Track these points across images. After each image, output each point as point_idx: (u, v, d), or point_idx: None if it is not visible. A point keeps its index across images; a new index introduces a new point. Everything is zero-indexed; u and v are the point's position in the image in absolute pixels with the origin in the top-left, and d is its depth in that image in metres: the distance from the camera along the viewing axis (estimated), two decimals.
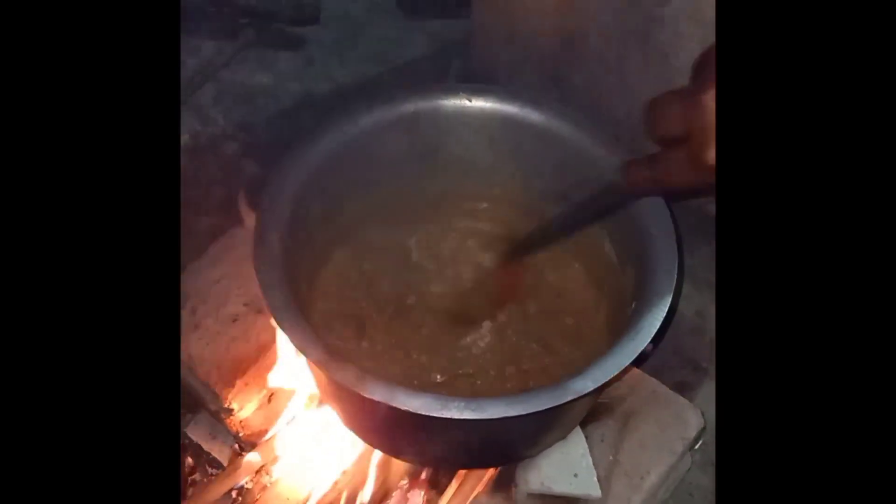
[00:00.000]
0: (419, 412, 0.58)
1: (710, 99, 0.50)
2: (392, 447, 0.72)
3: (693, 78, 0.53)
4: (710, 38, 0.61)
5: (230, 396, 0.78)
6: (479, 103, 0.75)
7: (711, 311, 0.91)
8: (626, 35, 0.87)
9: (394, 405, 0.58)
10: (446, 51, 1.16)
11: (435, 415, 0.58)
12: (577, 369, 0.61)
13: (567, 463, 0.71)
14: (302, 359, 0.76)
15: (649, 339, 0.62)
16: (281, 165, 0.70)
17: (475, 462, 0.72)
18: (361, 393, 0.59)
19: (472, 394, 0.72)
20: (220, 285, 0.82)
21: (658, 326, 0.62)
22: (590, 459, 0.71)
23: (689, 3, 0.79)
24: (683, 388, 0.85)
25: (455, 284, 0.78)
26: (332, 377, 0.60)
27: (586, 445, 0.72)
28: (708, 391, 0.87)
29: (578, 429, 0.73)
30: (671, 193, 0.68)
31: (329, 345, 0.62)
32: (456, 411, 0.58)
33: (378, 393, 0.59)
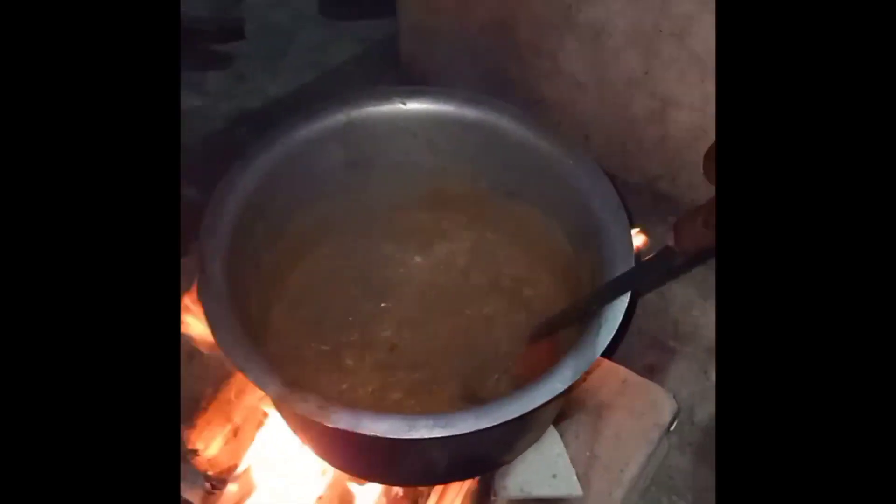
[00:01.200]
0: (387, 436, 0.56)
1: None
2: (365, 471, 0.69)
3: None
4: (640, 13, 0.59)
5: (193, 437, 0.75)
6: (414, 105, 0.73)
7: (672, 289, 0.91)
8: (556, 19, 0.86)
9: (360, 432, 0.56)
10: (375, 52, 1.14)
11: (403, 437, 0.56)
12: (546, 370, 0.59)
13: (544, 464, 0.69)
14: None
15: (614, 331, 0.60)
16: (216, 190, 0.67)
17: (450, 476, 0.70)
18: (325, 423, 0.57)
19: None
20: None
21: (621, 317, 0.61)
22: (567, 458, 0.70)
23: None
24: (653, 371, 0.84)
25: (410, 300, 0.76)
26: (293, 410, 0.58)
27: (562, 444, 0.70)
28: (677, 371, 0.86)
29: (552, 428, 0.71)
30: None
31: (287, 375, 0.60)
32: (425, 430, 0.56)
33: (343, 421, 0.57)
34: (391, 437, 0.56)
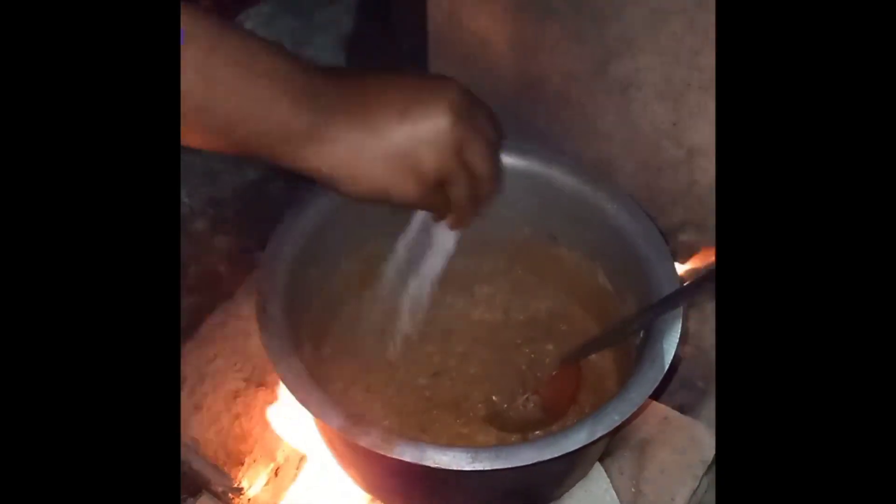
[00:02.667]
0: (450, 468, 0.58)
1: None
2: None
3: None
4: (669, 69, 0.62)
5: (240, 475, 0.76)
6: None
7: (702, 330, 0.93)
8: (585, 72, 0.90)
9: (425, 464, 0.58)
10: None
11: (466, 468, 0.58)
12: (601, 405, 0.61)
13: (592, 500, 0.71)
14: (311, 426, 0.75)
15: (667, 366, 0.62)
16: (275, 232, 0.70)
17: None
18: (389, 455, 0.58)
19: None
20: (217, 363, 0.80)
21: (674, 353, 0.63)
22: (613, 494, 0.71)
23: (648, 36, 0.82)
24: (685, 410, 0.85)
25: (465, 337, 0.78)
26: (356, 443, 0.59)
27: (608, 480, 0.72)
28: (708, 411, 0.87)
29: (598, 464, 0.72)
30: None
31: (346, 410, 0.62)
32: (487, 462, 0.58)
33: (407, 453, 0.58)
34: (454, 468, 0.58)
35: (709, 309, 0.94)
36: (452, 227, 0.68)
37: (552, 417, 0.73)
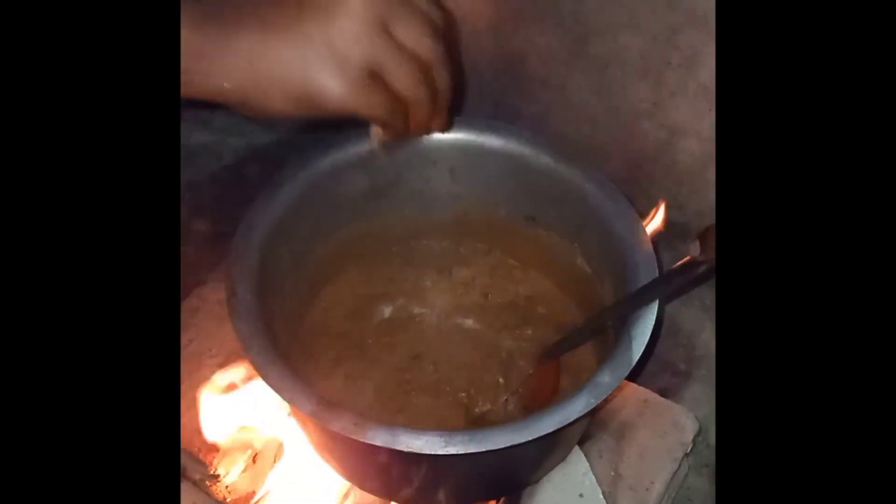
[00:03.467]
0: (423, 452, 0.57)
1: None
2: (392, 492, 0.70)
3: None
4: (648, 47, 0.62)
5: (215, 462, 0.75)
6: (434, 134, 0.75)
7: (682, 314, 0.92)
8: (564, 52, 0.88)
9: (397, 448, 0.57)
10: None
11: (440, 452, 0.57)
12: (575, 387, 0.60)
13: (570, 484, 0.70)
14: (287, 412, 0.74)
15: (642, 349, 0.61)
16: (245, 217, 0.68)
17: (480, 495, 0.70)
18: (361, 439, 0.57)
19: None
20: (191, 348, 0.79)
21: (649, 335, 0.62)
22: (593, 478, 0.70)
23: (626, 14, 0.81)
24: (667, 394, 0.85)
25: (439, 322, 0.77)
26: (328, 427, 0.58)
27: (587, 464, 0.71)
28: (691, 394, 0.87)
29: (577, 448, 0.72)
30: None
31: (319, 394, 0.61)
32: (461, 446, 0.57)
33: (379, 437, 0.57)
34: (427, 452, 0.57)
35: (690, 291, 0.94)
36: (412, 130, 0.60)
37: (525, 411, 0.72)
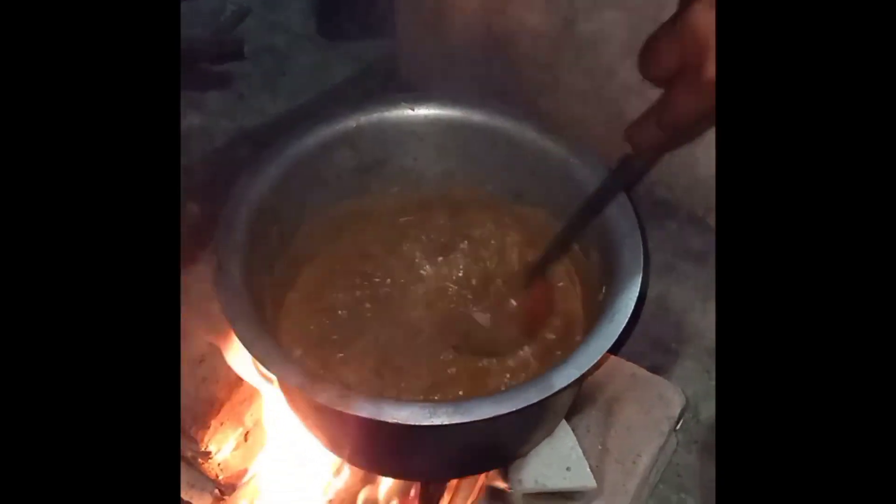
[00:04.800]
0: (408, 423, 0.57)
1: (695, 14, 0.50)
2: (380, 465, 0.70)
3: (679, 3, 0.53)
4: (636, 23, 0.62)
5: (206, 439, 0.75)
6: (421, 111, 0.75)
7: (672, 292, 0.93)
8: (552, 30, 0.89)
9: (382, 419, 0.57)
10: (373, 71, 1.16)
11: (424, 423, 0.57)
12: (560, 359, 0.60)
13: (558, 458, 0.70)
14: (276, 388, 0.75)
15: (625, 322, 0.62)
16: (232, 193, 0.69)
17: (466, 469, 0.71)
18: (347, 411, 0.58)
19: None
20: (183, 325, 0.79)
21: (632, 308, 0.62)
22: (580, 451, 0.71)
23: None
24: (657, 371, 0.85)
25: (425, 298, 0.77)
26: (314, 400, 0.59)
27: (574, 438, 0.71)
28: (681, 371, 0.88)
29: (564, 422, 0.72)
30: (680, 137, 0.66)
31: (305, 367, 0.61)
32: (445, 417, 0.57)
33: (365, 409, 0.58)
34: (412, 423, 0.57)
35: (680, 270, 0.94)
36: None
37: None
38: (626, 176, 0.64)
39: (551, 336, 0.73)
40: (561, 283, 0.76)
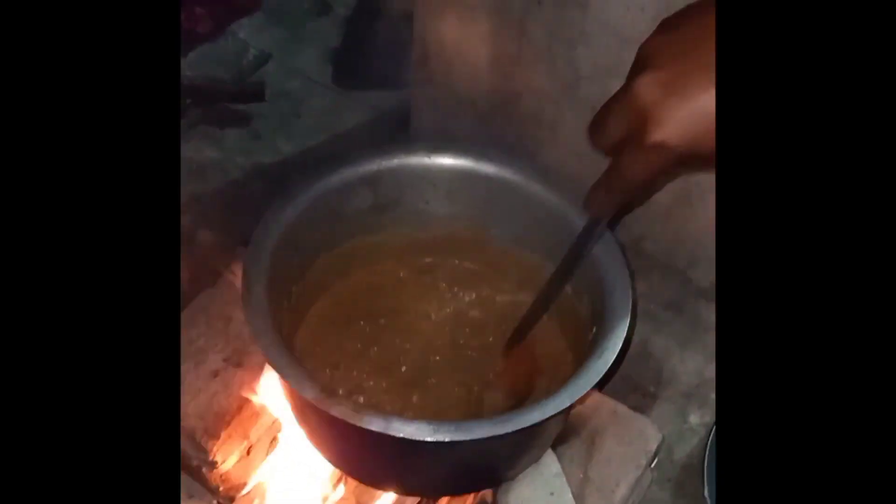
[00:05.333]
0: (413, 438, 0.63)
1: (641, 84, 0.55)
2: (381, 480, 0.76)
3: (627, 78, 0.58)
4: None
5: (215, 449, 0.80)
6: (437, 159, 0.82)
7: (653, 340, 1.00)
8: (556, 92, 0.96)
9: (390, 433, 0.63)
10: (383, 119, 1.23)
11: (429, 439, 0.63)
12: (554, 389, 0.67)
13: (543, 483, 0.76)
14: (285, 405, 0.80)
15: (612, 359, 0.68)
16: (262, 221, 0.75)
17: (460, 488, 0.76)
18: (358, 424, 0.63)
19: None
20: (198, 344, 0.85)
21: (620, 347, 0.69)
22: (563, 478, 0.77)
23: (615, 62, 0.89)
24: (636, 411, 0.92)
25: (427, 329, 0.84)
26: (329, 413, 0.64)
27: (559, 465, 0.77)
28: (658, 413, 0.94)
29: (550, 451, 0.78)
30: (633, 198, 0.71)
31: (321, 382, 0.67)
32: (448, 434, 0.63)
33: (374, 423, 0.64)
34: (416, 438, 0.63)
35: (661, 319, 1.01)
36: None
37: (515, 401, 0.78)
38: (594, 233, 0.69)
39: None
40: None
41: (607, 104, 0.59)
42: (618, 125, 0.58)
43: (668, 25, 0.58)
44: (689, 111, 0.54)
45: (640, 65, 0.56)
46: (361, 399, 0.77)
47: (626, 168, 0.58)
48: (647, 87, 0.55)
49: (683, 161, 0.57)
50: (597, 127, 0.60)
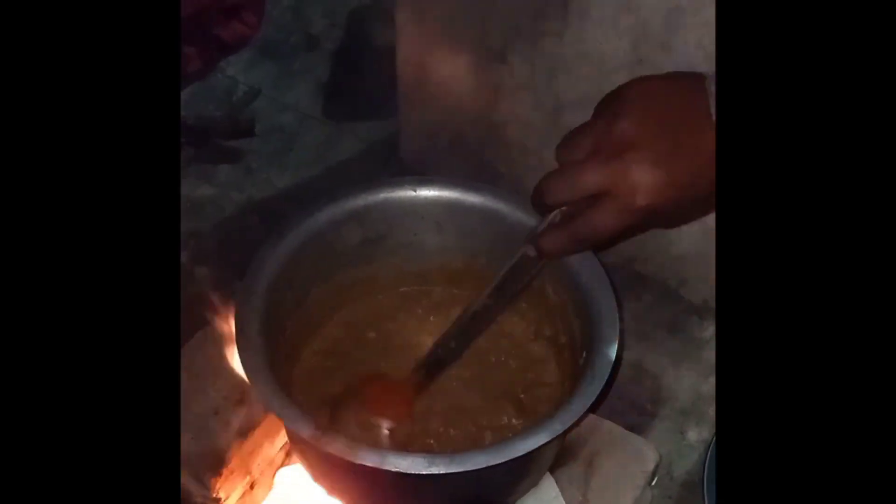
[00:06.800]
0: (409, 472, 0.64)
1: (631, 158, 0.59)
2: None
3: (598, 115, 0.63)
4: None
5: (217, 486, 0.82)
6: (423, 192, 0.84)
7: (648, 358, 1.00)
8: (540, 121, 0.98)
9: (385, 468, 0.64)
10: (375, 149, 1.25)
11: (423, 472, 0.64)
12: (547, 415, 0.68)
13: None
14: (283, 439, 0.82)
15: (603, 384, 0.70)
16: (252, 263, 0.76)
17: None
18: (353, 461, 0.65)
19: None
20: (196, 382, 0.86)
21: (610, 371, 0.70)
22: (562, 501, 0.78)
23: (595, 90, 0.90)
24: (635, 430, 0.92)
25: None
26: (325, 450, 0.66)
27: (557, 489, 0.78)
28: (656, 431, 0.95)
29: (548, 474, 0.79)
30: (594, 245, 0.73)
31: (316, 420, 0.68)
32: (443, 467, 0.64)
33: (369, 459, 0.65)
34: (412, 472, 0.64)
35: (655, 338, 1.02)
36: None
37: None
38: (521, 280, 0.73)
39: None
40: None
41: (579, 134, 0.65)
42: (584, 146, 0.64)
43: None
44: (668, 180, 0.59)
45: (623, 134, 0.61)
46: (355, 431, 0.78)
47: (601, 223, 0.63)
48: (633, 161, 0.60)
49: (652, 220, 0.61)
50: (565, 145, 0.66)
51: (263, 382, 0.69)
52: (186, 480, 0.81)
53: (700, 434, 0.95)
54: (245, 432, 0.85)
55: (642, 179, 0.59)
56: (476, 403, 0.81)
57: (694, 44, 0.81)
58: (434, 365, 0.78)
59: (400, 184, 0.84)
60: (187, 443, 0.82)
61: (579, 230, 0.64)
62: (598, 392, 0.69)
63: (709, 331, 1.02)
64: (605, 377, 0.70)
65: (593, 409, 0.71)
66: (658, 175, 0.60)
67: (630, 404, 0.97)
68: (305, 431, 0.67)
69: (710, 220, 0.92)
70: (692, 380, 0.99)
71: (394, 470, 0.64)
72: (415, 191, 0.84)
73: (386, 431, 0.75)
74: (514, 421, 0.80)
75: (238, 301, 0.75)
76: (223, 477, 0.82)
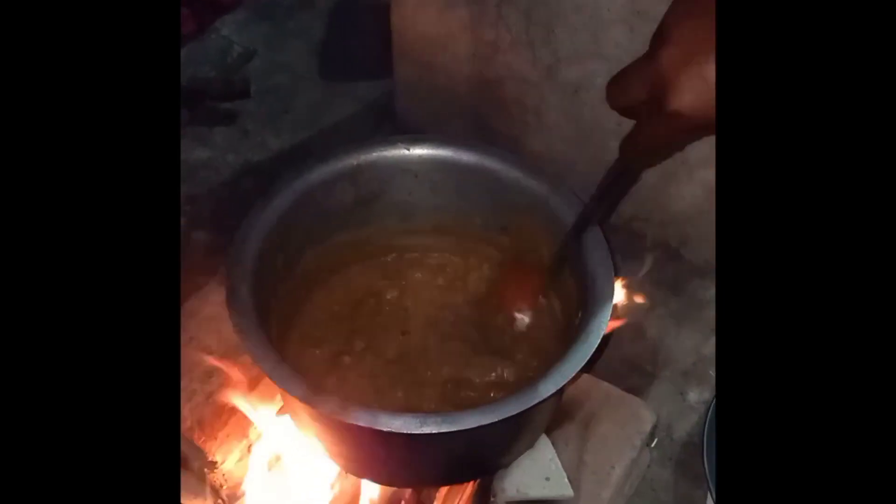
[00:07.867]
0: (401, 431, 0.64)
1: (662, 56, 0.58)
2: (376, 473, 0.76)
3: (650, 45, 0.61)
4: (614, 70, 0.70)
5: (214, 449, 0.81)
6: (416, 150, 0.82)
7: (648, 319, 0.99)
8: (537, 76, 0.96)
9: (377, 428, 0.63)
10: (371, 110, 1.23)
11: (415, 431, 0.63)
12: (539, 376, 0.67)
13: (538, 469, 0.77)
14: (277, 402, 0.81)
15: (597, 343, 0.68)
16: (243, 224, 0.75)
17: (456, 477, 0.77)
18: (345, 420, 0.64)
19: None
20: (191, 345, 0.86)
21: (603, 331, 0.69)
22: (558, 463, 0.77)
23: (592, 43, 0.88)
24: (633, 392, 0.92)
25: (417, 315, 0.84)
26: (316, 410, 0.65)
27: (554, 450, 0.77)
28: (656, 392, 0.94)
29: (544, 436, 0.78)
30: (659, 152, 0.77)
31: (308, 380, 0.67)
32: (434, 426, 0.63)
33: (361, 419, 0.64)
34: (404, 431, 0.64)
35: (656, 298, 1.01)
36: None
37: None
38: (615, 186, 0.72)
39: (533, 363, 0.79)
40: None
41: (629, 68, 0.63)
42: (638, 91, 0.62)
43: None
44: (703, 81, 0.57)
45: (662, 35, 0.60)
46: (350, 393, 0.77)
47: (649, 130, 0.63)
48: (667, 59, 0.59)
49: (699, 127, 0.60)
50: (616, 87, 0.65)
51: (255, 342, 0.68)
52: (183, 445, 0.81)
53: (701, 395, 0.94)
54: (241, 395, 0.84)
55: (673, 82, 0.59)
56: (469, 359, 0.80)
57: None
58: (558, 260, 0.78)
59: (393, 142, 0.82)
60: (182, 406, 0.82)
61: (638, 139, 0.65)
62: (590, 352, 0.67)
63: (710, 291, 1.01)
64: (599, 337, 0.68)
65: (587, 369, 0.70)
66: (688, 76, 0.58)
67: (630, 366, 0.97)
68: (297, 392, 0.66)
69: (711, 178, 0.90)
70: (693, 340, 0.98)
71: (385, 430, 0.64)
72: (408, 149, 0.82)
73: None
74: (505, 373, 0.79)
75: (229, 262, 0.74)
76: (219, 440, 0.82)
